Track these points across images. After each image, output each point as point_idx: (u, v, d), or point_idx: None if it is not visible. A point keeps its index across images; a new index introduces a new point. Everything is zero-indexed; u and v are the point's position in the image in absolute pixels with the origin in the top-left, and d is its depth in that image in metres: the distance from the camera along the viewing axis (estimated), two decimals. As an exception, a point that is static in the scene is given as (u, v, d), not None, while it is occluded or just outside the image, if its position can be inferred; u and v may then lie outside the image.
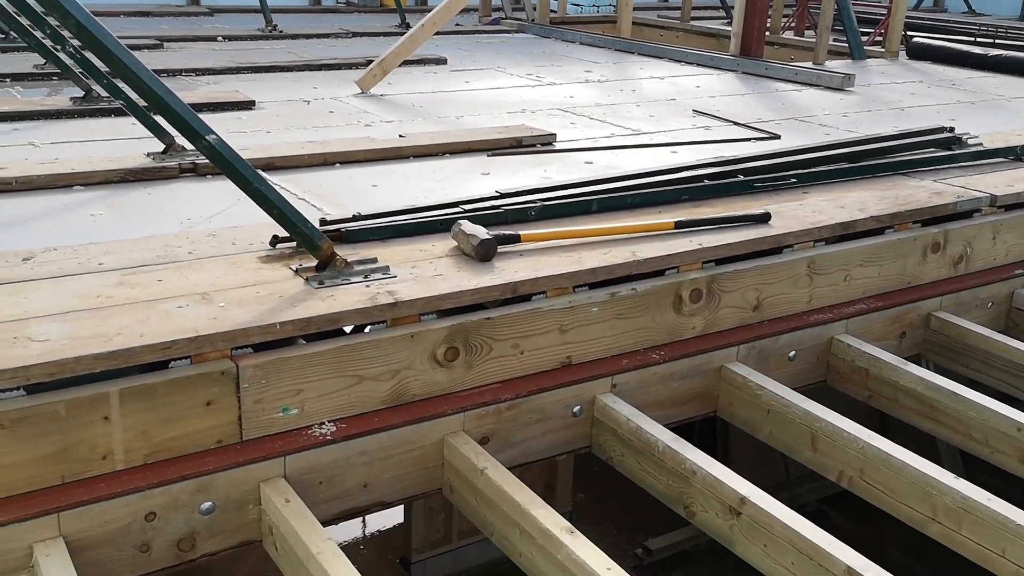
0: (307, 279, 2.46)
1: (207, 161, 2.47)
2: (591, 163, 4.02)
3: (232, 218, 2.99)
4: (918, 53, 7.99)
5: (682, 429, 2.94)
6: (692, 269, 2.90)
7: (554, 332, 2.65)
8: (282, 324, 2.22)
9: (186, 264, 2.52)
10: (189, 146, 2.81)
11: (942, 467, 2.51)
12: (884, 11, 9.04)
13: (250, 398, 2.18)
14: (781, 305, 3.11)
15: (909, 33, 8.63)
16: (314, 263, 2.50)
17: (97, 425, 2.01)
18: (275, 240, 2.66)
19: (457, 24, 9.02)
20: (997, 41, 8.80)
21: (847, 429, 2.66)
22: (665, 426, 2.69)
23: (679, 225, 3.02)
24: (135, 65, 2.11)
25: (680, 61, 7.45)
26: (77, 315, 2.15)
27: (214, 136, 2.23)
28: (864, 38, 8.30)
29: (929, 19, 10.81)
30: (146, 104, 2.44)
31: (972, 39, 8.96)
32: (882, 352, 3.12)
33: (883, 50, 8.11)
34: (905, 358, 3.18)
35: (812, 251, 3.15)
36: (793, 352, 3.13)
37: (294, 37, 7.82)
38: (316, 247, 2.47)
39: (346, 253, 2.57)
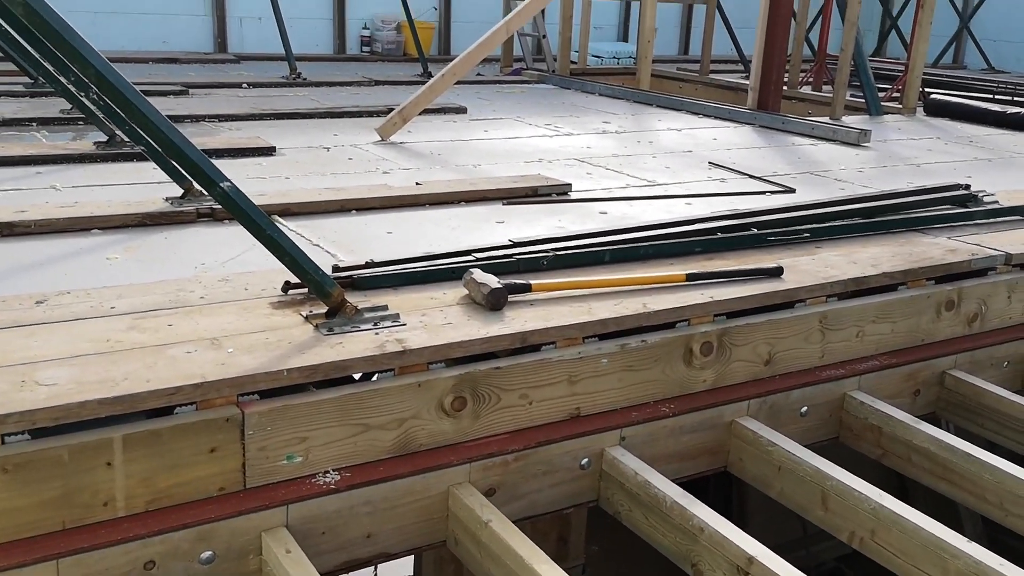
0: (317, 326, 2.47)
1: (223, 207, 2.50)
2: (606, 213, 4.04)
3: (246, 263, 3.02)
4: (936, 110, 8.01)
5: (697, 483, 2.91)
6: (703, 322, 2.89)
7: (563, 383, 2.64)
8: (289, 371, 2.22)
9: (197, 309, 2.54)
10: (207, 191, 2.86)
11: (962, 529, 2.47)
12: (902, 68, 9.09)
13: (254, 445, 2.18)
14: (793, 360, 3.09)
15: (927, 90, 8.67)
16: (324, 310, 2.51)
17: (100, 471, 2.01)
18: (287, 286, 2.68)
19: (479, 74, 9.16)
20: (1016, 99, 8.81)
21: (858, 488, 2.62)
22: (674, 481, 2.66)
23: (691, 277, 3.02)
24: (151, 112, 2.15)
25: (698, 113, 7.51)
26: (86, 359, 2.16)
27: (228, 183, 2.25)
28: (882, 94, 8.35)
29: (948, 76, 10.86)
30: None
31: (991, 96, 8.97)
32: (895, 410, 3.08)
33: (900, 106, 8.14)
34: (919, 416, 3.13)
35: (824, 306, 3.13)
36: (805, 408, 3.10)
37: (317, 85, 7.96)
38: (326, 294, 2.48)
39: (357, 300, 2.57)
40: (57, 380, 2.04)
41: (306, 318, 2.52)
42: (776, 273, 3.13)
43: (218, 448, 2.13)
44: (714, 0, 10.03)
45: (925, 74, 8.78)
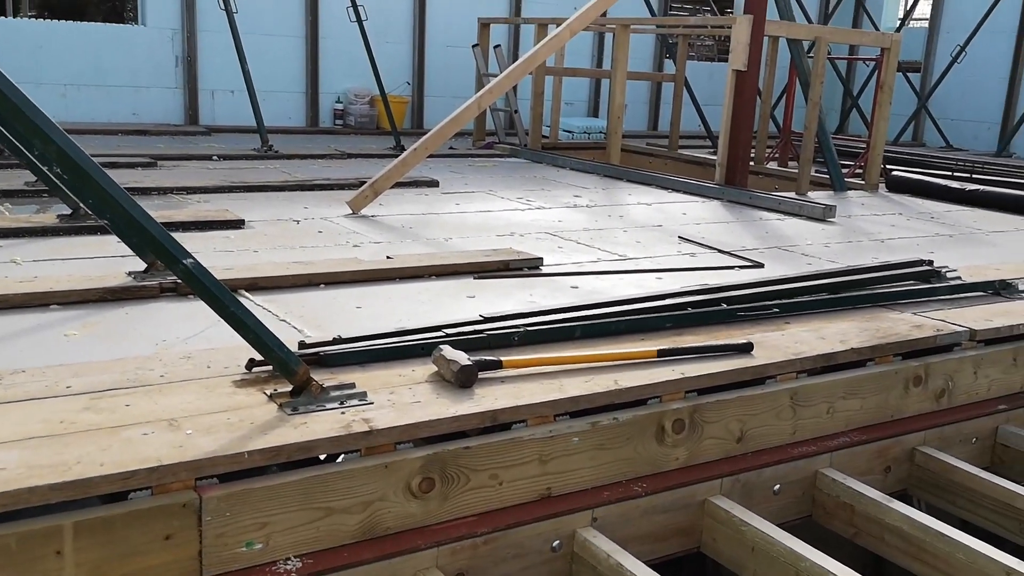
0: (281, 405, 2.41)
1: (187, 282, 2.46)
2: (576, 288, 4.04)
3: (210, 339, 2.96)
4: (897, 186, 8.18)
5: (671, 565, 2.84)
6: (675, 399, 2.87)
7: (534, 462, 2.59)
8: (250, 453, 2.15)
9: (156, 388, 2.47)
10: (171, 266, 2.82)
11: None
12: (864, 145, 9.32)
13: (212, 532, 2.10)
14: (765, 437, 3.06)
15: (888, 166, 8.88)
16: (289, 388, 2.46)
17: (49, 560, 1.92)
18: (251, 364, 2.62)
19: (451, 148, 9.25)
20: (974, 176, 9.04)
21: (832, 570, 2.56)
22: (647, 563, 2.60)
23: (662, 353, 3.00)
24: (112, 188, 2.12)
25: (667, 188, 7.61)
26: (38, 442, 2.08)
27: (191, 260, 2.22)
28: (845, 170, 8.53)
29: (908, 153, 11.15)
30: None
31: (950, 173, 9.21)
32: (867, 488, 3.05)
33: (863, 182, 8.32)
34: (891, 494, 3.11)
35: (795, 382, 3.12)
36: (778, 486, 3.06)
37: (289, 157, 7.98)
38: (291, 372, 2.43)
39: (323, 378, 2.53)
40: (7, 464, 1.96)
41: (270, 397, 2.46)
42: (746, 349, 3.12)
43: (174, 535, 2.05)
44: (682, 78, 10.27)
45: (886, 151, 9.00)
